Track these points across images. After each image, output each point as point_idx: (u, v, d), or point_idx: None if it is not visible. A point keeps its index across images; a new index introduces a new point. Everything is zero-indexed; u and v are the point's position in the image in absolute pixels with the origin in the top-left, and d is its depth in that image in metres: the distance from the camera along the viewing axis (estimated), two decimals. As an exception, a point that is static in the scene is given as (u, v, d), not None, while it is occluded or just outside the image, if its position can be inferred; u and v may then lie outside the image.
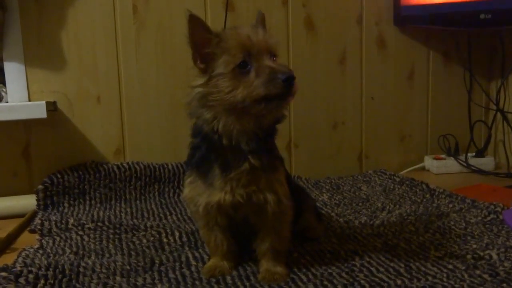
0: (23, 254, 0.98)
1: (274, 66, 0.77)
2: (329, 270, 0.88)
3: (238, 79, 0.77)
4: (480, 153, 1.76)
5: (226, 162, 0.82)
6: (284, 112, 0.84)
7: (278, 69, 0.76)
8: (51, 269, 0.86)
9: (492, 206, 1.17)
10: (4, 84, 1.40)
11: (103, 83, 1.47)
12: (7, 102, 1.39)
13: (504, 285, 0.79)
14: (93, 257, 0.97)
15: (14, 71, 1.39)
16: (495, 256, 0.89)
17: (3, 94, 1.40)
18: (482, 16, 1.57)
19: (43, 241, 1.08)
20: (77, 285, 0.84)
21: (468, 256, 0.90)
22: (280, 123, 0.86)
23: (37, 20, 1.40)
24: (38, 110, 1.30)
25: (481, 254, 0.91)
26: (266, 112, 0.78)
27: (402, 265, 0.89)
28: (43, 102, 1.30)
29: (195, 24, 0.78)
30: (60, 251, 1.01)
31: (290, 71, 0.76)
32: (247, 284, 0.84)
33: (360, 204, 1.33)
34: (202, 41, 0.79)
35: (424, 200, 1.32)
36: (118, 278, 0.87)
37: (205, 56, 0.80)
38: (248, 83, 0.76)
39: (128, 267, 0.91)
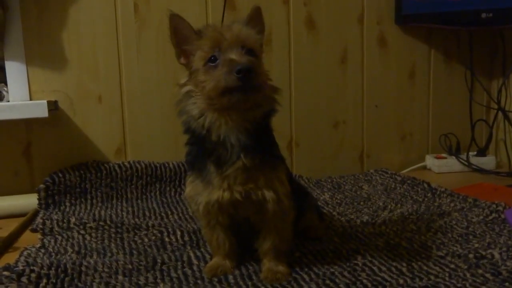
0: (25, 253, 0.97)
1: (235, 58, 0.76)
2: (331, 270, 0.88)
3: (209, 73, 0.78)
4: (482, 152, 1.76)
5: (219, 158, 0.81)
6: (273, 106, 0.84)
7: (236, 61, 0.75)
8: (53, 268, 0.87)
9: (494, 205, 1.17)
10: (5, 83, 1.40)
11: (104, 82, 1.47)
12: (8, 101, 1.39)
13: (507, 284, 0.79)
14: (95, 256, 0.97)
15: (15, 70, 1.39)
16: (497, 256, 0.89)
17: (4, 93, 1.40)
18: (483, 15, 1.57)
19: (45, 240, 1.07)
20: (79, 284, 0.84)
21: (470, 256, 0.90)
22: (271, 117, 0.85)
23: (38, 19, 1.40)
24: (39, 109, 1.30)
25: (483, 253, 0.90)
26: (231, 105, 0.78)
27: (404, 264, 0.89)
28: (45, 101, 1.30)
29: (176, 22, 0.82)
30: (62, 250, 1.01)
31: (246, 62, 0.75)
32: (249, 283, 0.84)
33: (362, 203, 1.33)
34: (183, 38, 0.82)
35: (426, 199, 1.32)
36: (120, 277, 0.87)
37: (187, 53, 0.83)
38: (214, 76, 0.77)
39: (130, 266, 0.91)
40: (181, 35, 0.82)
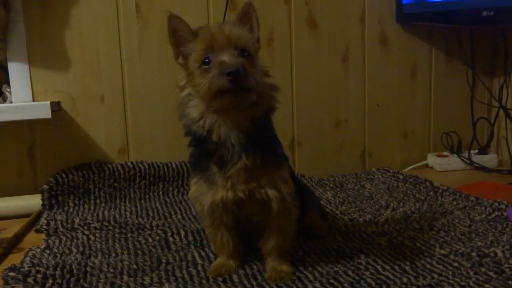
0: (30, 254, 0.98)
1: (225, 60, 0.77)
2: (335, 269, 0.88)
3: (203, 76, 0.79)
4: (483, 150, 1.77)
5: (221, 159, 0.82)
6: (272, 104, 0.84)
7: (226, 63, 0.76)
8: (58, 269, 0.87)
9: (496, 204, 1.18)
10: (8, 84, 1.40)
11: (106, 83, 1.48)
12: (11, 102, 1.39)
13: (510, 282, 0.79)
14: (99, 257, 0.98)
15: (18, 71, 1.40)
16: (500, 254, 0.89)
17: (8, 94, 1.40)
18: (484, 13, 1.57)
19: (49, 241, 1.08)
20: (85, 284, 0.85)
21: (473, 254, 0.91)
22: (270, 115, 0.85)
23: (41, 20, 1.41)
24: (43, 110, 1.30)
25: (486, 251, 0.91)
26: (224, 106, 0.79)
27: (408, 263, 0.89)
28: (48, 102, 1.31)
29: (174, 23, 0.82)
30: (67, 251, 1.01)
31: (236, 65, 0.75)
32: (254, 283, 0.84)
33: (364, 202, 1.33)
34: (181, 39, 0.83)
35: (428, 197, 1.33)
36: (125, 277, 0.87)
37: (184, 54, 0.83)
38: (207, 78, 0.78)
39: (135, 267, 0.92)
40: (179, 36, 0.83)
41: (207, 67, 0.78)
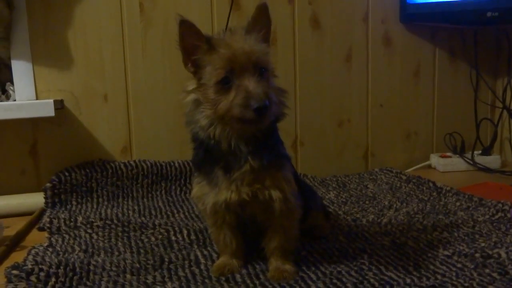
0: (32, 252, 0.98)
1: (251, 89, 0.75)
2: (338, 269, 0.88)
3: (220, 94, 0.78)
4: (486, 151, 1.76)
5: (227, 165, 0.82)
6: (283, 111, 0.84)
7: (253, 95, 0.75)
8: (61, 267, 0.87)
9: (500, 205, 1.17)
10: (11, 82, 1.40)
11: (110, 81, 1.48)
12: (14, 100, 1.40)
13: (514, 283, 0.79)
14: (102, 255, 0.98)
15: (21, 69, 1.40)
16: (504, 255, 0.89)
17: (11, 92, 1.40)
18: (489, 14, 1.56)
19: (52, 239, 1.08)
20: (88, 283, 0.85)
21: (477, 255, 0.90)
22: (279, 121, 0.85)
23: (44, 18, 1.41)
24: (46, 109, 1.30)
25: (490, 252, 0.91)
26: (243, 131, 0.79)
27: (411, 264, 0.89)
28: (51, 101, 1.31)
29: (186, 29, 0.79)
30: (70, 249, 1.02)
31: (263, 99, 0.74)
32: (257, 282, 0.84)
33: (367, 202, 1.33)
34: (192, 47, 0.80)
35: (431, 198, 1.32)
36: (128, 276, 0.87)
37: (195, 62, 0.81)
38: (227, 100, 0.77)
39: (137, 265, 0.92)
40: (190, 43, 0.79)
41: (226, 86, 0.77)
